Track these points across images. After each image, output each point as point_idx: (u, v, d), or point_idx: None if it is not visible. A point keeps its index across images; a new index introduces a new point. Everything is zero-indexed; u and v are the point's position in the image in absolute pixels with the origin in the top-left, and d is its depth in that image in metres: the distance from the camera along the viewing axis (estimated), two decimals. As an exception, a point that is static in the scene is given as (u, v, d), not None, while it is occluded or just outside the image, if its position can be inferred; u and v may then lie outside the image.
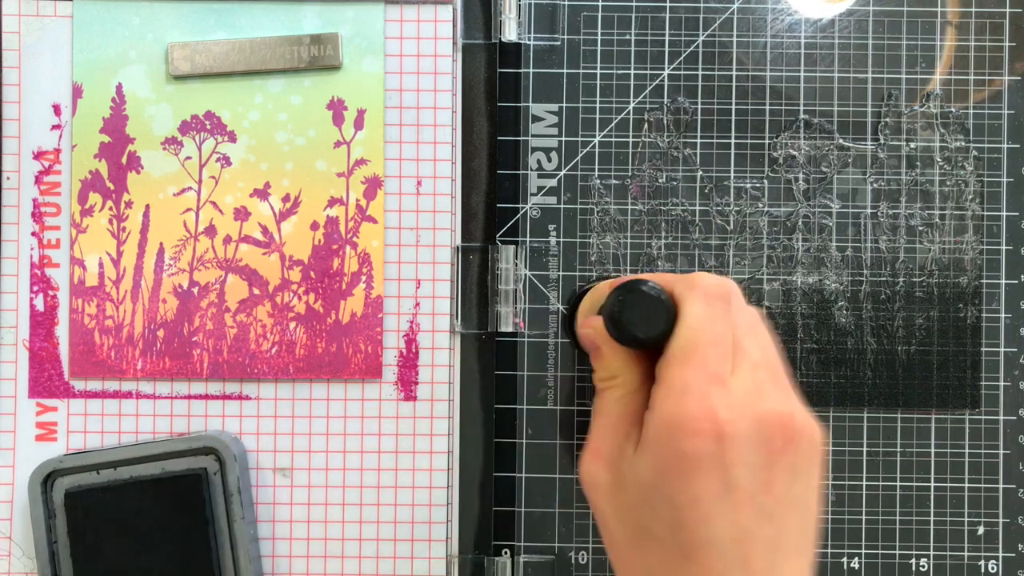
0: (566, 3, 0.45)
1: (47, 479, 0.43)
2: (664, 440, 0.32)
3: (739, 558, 0.32)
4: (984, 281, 0.45)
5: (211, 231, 0.45)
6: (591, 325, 0.37)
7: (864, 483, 0.45)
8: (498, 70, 0.45)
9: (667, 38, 0.45)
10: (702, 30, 0.45)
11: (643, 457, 0.33)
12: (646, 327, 0.34)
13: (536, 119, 0.45)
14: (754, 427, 0.32)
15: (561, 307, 0.44)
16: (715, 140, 0.45)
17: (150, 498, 0.42)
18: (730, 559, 0.32)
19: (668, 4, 0.45)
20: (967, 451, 0.45)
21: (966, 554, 0.44)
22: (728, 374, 0.33)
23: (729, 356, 0.33)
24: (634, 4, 0.45)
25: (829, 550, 0.45)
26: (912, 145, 0.45)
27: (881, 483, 0.45)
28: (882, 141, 0.45)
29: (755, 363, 0.33)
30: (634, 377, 0.35)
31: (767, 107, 0.45)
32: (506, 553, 0.45)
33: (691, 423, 0.32)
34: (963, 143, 0.45)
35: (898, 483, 0.45)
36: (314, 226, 0.45)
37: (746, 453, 0.32)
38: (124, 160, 0.44)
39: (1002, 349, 0.45)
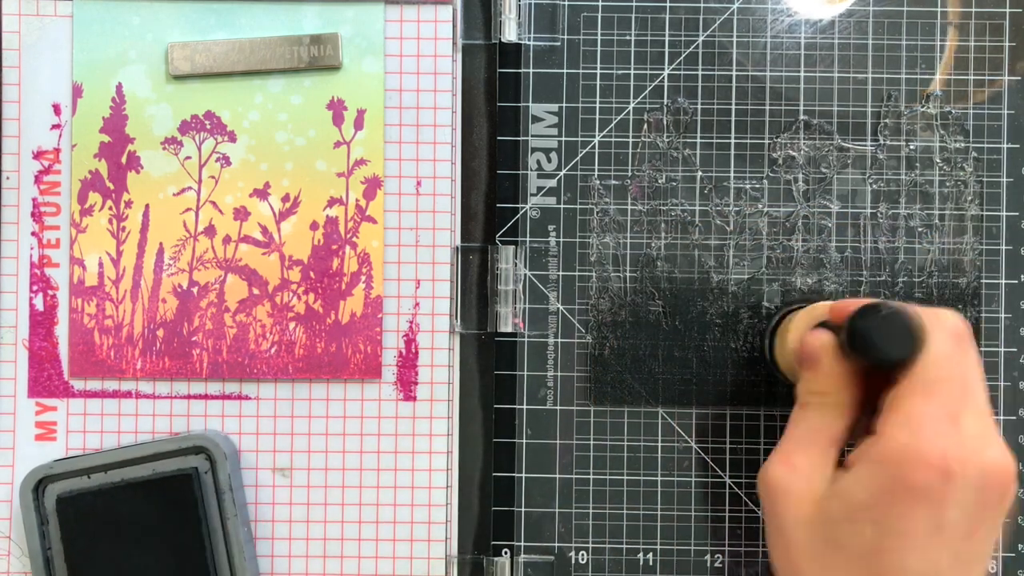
0: (566, 3, 0.45)
1: (38, 485, 0.42)
2: (891, 466, 0.33)
3: None
4: (984, 281, 0.45)
5: (211, 231, 0.45)
6: (818, 337, 0.37)
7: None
8: (498, 70, 0.45)
9: (667, 38, 0.45)
10: (702, 30, 0.45)
11: (859, 477, 0.34)
12: (896, 349, 0.34)
13: (536, 119, 0.45)
14: (977, 474, 0.33)
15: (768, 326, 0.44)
16: (715, 140, 0.45)
17: (142, 500, 0.42)
18: None
19: (668, 4, 0.45)
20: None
21: (966, 555, 0.44)
22: (961, 415, 0.34)
23: (964, 398, 0.34)
24: (634, 4, 0.45)
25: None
26: (912, 146, 0.45)
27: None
28: (882, 142, 0.45)
29: (983, 409, 0.34)
30: (845, 398, 0.36)
31: (767, 107, 0.45)
32: (506, 553, 0.45)
33: (923, 456, 0.33)
34: (963, 144, 0.45)
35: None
36: (314, 226, 0.45)
37: (963, 498, 0.33)
38: (124, 160, 0.44)
39: (1002, 349, 0.45)
